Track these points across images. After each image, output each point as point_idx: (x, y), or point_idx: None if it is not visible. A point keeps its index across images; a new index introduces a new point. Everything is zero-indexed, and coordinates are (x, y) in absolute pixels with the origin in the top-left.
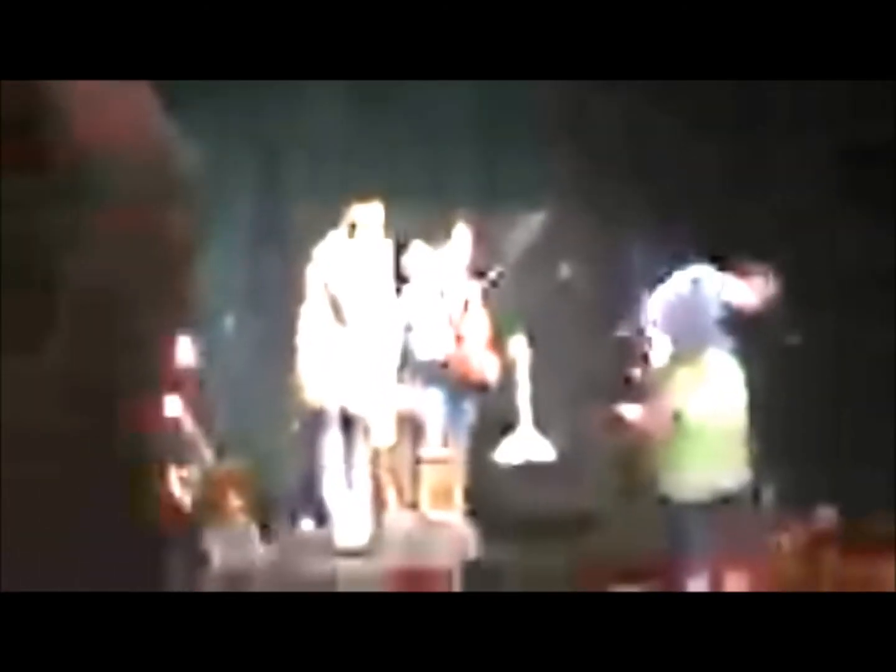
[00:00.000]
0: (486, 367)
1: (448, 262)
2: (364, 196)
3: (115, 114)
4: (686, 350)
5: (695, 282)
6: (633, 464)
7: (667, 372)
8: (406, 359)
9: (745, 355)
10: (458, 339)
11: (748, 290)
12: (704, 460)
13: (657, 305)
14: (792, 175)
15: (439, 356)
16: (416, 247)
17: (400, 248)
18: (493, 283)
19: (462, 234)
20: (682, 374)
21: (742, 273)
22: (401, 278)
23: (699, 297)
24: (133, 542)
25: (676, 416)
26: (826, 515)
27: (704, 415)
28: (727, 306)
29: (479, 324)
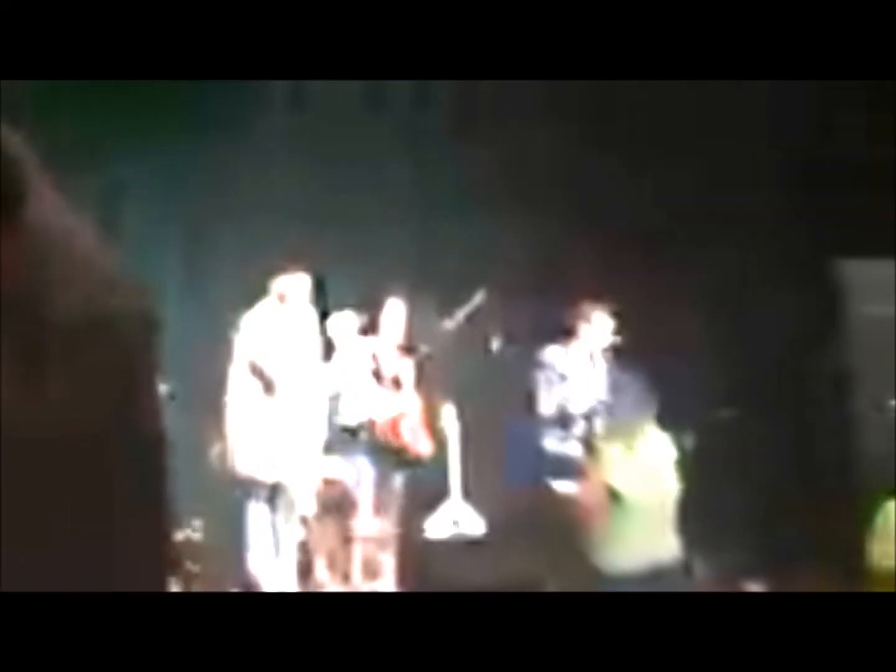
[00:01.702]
0: (420, 443)
1: (380, 336)
2: (293, 266)
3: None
4: (617, 425)
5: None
6: (568, 537)
7: (601, 449)
8: (337, 431)
9: (676, 429)
10: (393, 416)
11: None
12: (638, 535)
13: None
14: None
15: (370, 429)
16: (343, 315)
17: (325, 317)
18: (421, 364)
19: (395, 310)
20: (616, 450)
21: (582, 317)
22: (329, 347)
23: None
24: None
25: (611, 493)
26: (754, 589)
27: (637, 491)
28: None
29: (411, 399)
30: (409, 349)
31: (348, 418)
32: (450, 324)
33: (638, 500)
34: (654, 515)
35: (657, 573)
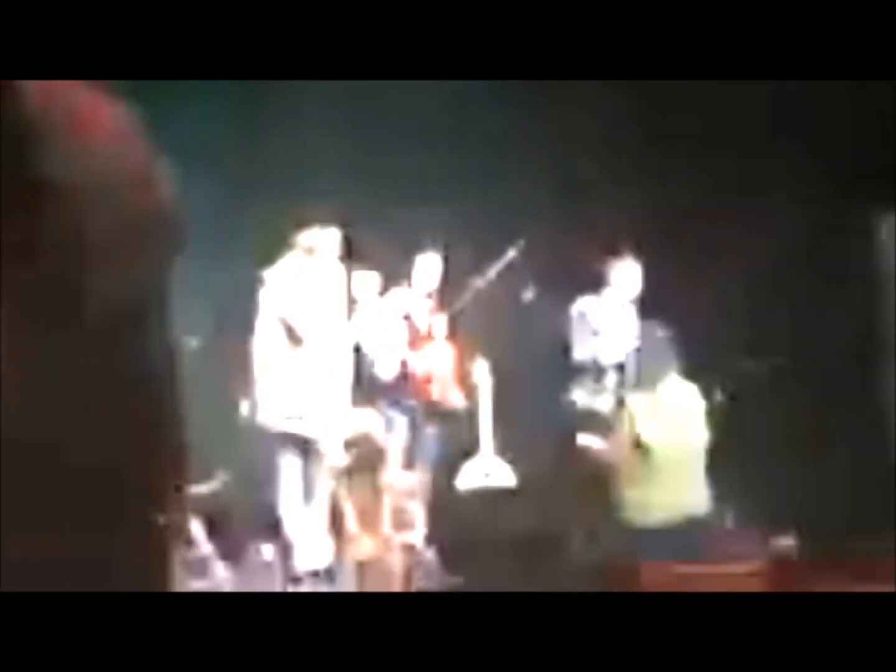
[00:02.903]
0: (451, 396)
1: (414, 290)
2: (322, 219)
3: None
4: (642, 375)
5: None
6: (597, 490)
7: (625, 400)
8: (369, 382)
9: (703, 378)
10: (425, 369)
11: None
12: (667, 486)
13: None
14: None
15: (402, 381)
16: (365, 274)
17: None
18: (454, 318)
19: (429, 264)
20: (642, 401)
21: (616, 255)
22: (355, 301)
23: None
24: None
25: (637, 445)
26: (785, 542)
27: (665, 442)
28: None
29: (443, 352)
30: (442, 303)
31: (382, 373)
32: (481, 282)
33: (666, 451)
34: (683, 466)
35: (688, 524)
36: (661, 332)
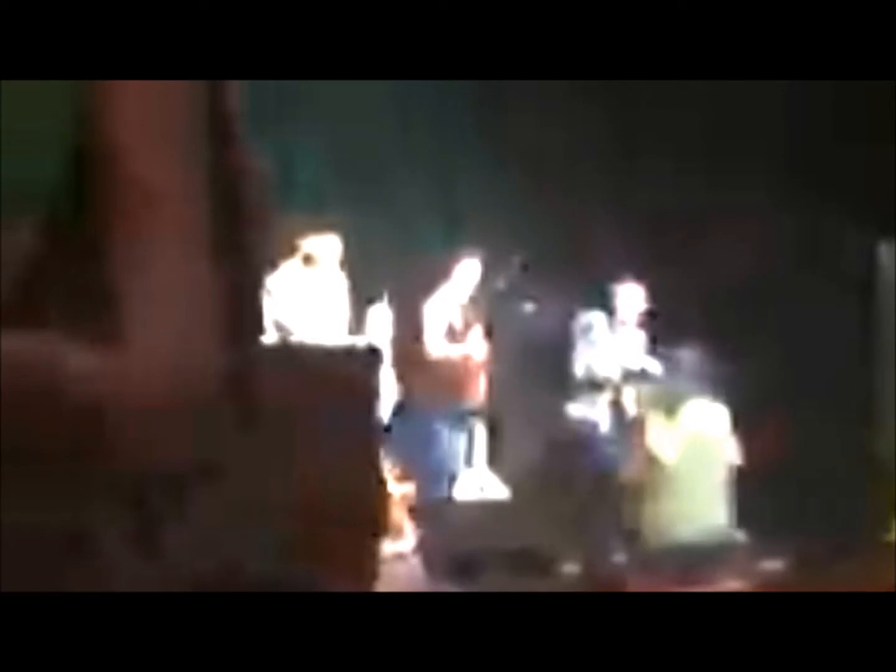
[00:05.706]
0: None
1: (450, 295)
2: (323, 228)
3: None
4: (662, 394)
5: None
6: (590, 503)
7: (643, 417)
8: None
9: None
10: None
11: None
12: (678, 504)
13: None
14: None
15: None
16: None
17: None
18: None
19: (469, 269)
20: (657, 419)
21: (620, 281)
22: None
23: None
24: None
25: (652, 461)
26: (775, 564)
27: (680, 459)
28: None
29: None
30: (476, 309)
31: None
32: (489, 292)
33: (681, 468)
34: (699, 485)
35: (707, 545)
36: (691, 356)
